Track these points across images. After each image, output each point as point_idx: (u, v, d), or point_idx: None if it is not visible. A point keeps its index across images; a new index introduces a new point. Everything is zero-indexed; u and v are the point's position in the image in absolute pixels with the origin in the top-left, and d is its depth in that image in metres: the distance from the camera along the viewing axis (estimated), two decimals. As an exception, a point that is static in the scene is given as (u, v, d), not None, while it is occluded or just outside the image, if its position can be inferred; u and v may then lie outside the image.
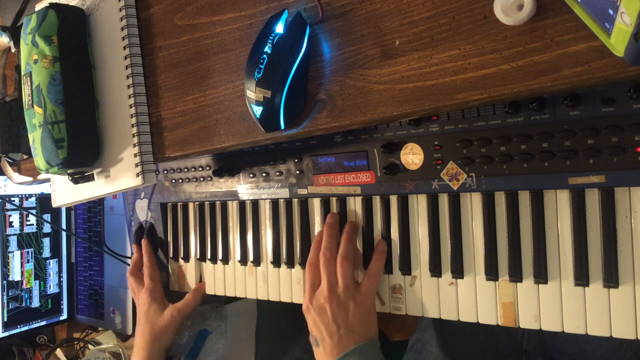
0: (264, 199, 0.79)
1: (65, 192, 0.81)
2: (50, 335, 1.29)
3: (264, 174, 0.77)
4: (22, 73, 0.72)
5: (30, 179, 0.95)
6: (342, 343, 0.62)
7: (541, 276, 0.56)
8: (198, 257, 0.89)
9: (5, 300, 1.12)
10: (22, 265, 1.15)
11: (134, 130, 0.69)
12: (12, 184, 1.03)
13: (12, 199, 1.14)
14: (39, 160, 0.71)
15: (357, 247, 0.69)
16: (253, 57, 0.55)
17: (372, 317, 0.65)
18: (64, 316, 1.24)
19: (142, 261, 0.93)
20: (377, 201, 0.67)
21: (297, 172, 0.73)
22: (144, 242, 0.93)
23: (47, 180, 0.90)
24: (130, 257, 1.06)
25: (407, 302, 0.65)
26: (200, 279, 0.90)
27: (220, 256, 0.85)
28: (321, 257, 0.67)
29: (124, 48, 0.70)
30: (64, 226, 1.25)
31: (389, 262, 0.66)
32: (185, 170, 0.88)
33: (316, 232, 0.73)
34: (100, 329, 1.23)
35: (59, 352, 1.23)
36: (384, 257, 0.66)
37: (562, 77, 0.42)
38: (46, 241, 1.21)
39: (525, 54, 0.43)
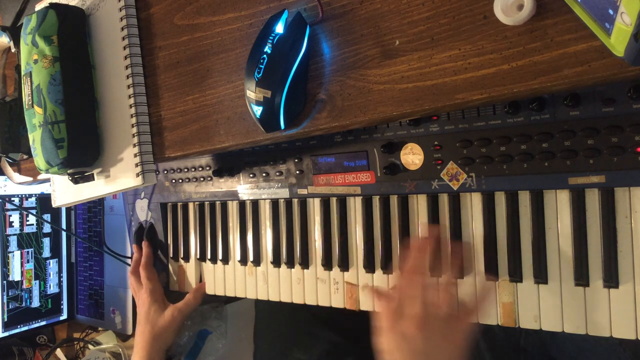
0: (264, 199, 0.79)
1: (65, 192, 0.81)
2: (50, 335, 1.29)
3: (264, 174, 0.77)
4: (22, 73, 0.72)
5: (30, 179, 0.95)
6: None
7: (541, 276, 0.56)
8: (198, 257, 0.89)
9: (5, 300, 1.12)
10: (22, 265, 1.15)
11: (134, 130, 0.69)
12: (12, 184, 1.03)
13: (12, 199, 1.14)
14: (39, 160, 0.71)
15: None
16: (253, 57, 0.55)
17: (461, 357, 0.56)
18: (64, 316, 1.24)
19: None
20: (377, 201, 0.67)
21: (297, 172, 0.73)
22: (144, 243, 0.93)
23: (47, 180, 0.90)
24: (130, 257, 1.06)
25: (407, 302, 0.65)
26: (200, 279, 0.90)
27: (220, 256, 0.85)
28: (422, 275, 0.58)
29: (124, 48, 0.70)
30: (64, 226, 1.24)
31: (389, 261, 0.66)
32: (185, 170, 0.88)
33: (316, 232, 0.73)
34: (100, 329, 1.23)
35: (59, 352, 1.23)
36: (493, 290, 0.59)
37: (562, 77, 0.42)
38: (46, 241, 1.21)
39: (525, 54, 0.43)
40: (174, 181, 0.90)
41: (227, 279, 0.85)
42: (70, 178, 0.73)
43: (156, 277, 0.91)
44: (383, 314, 0.58)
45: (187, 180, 0.88)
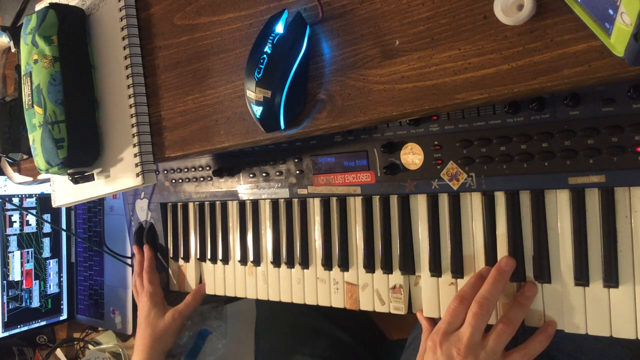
0: (264, 199, 0.79)
1: (65, 192, 0.81)
2: (50, 335, 1.29)
3: (264, 174, 0.77)
4: (22, 73, 0.72)
5: (30, 179, 0.95)
6: None
7: (541, 276, 0.56)
8: (198, 257, 0.89)
9: (5, 300, 1.12)
10: (22, 265, 1.15)
11: (134, 130, 0.69)
12: (12, 184, 1.03)
13: (12, 199, 1.14)
14: (39, 160, 0.71)
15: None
16: (253, 57, 0.55)
17: None
18: (64, 316, 1.24)
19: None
20: (377, 201, 0.67)
21: (297, 172, 0.73)
22: (145, 247, 0.94)
23: (47, 180, 0.90)
24: (130, 257, 1.06)
25: (407, 302, 0.65)
26: (200, 279, 0.90)
27: (220, 256, 0.85)
28: (478, 305, 0.55)
29: (124, 48, 0.70)
30: (64, 226, 1.24)
31: (389, 261, 0.66)
32: (185, 170, 0.88)
33: (316, 232, 0.73)
34: (100, 329, 1.23)
35: (59, 352, 1.23)
36: (548, 337, 0.56)
37: (562, 77, 0.42)
38: (46, 241, 1.21)
39: (525, 54, 0.43)
40: (174, 181, 0.90)
41: (227, 279, 0.85)
42: (70, 178, 0.73)
43: (158, 281, 0.91)
44: (433, 333, 0.58)
45: (187, 180, 0.88)
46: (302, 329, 0.88)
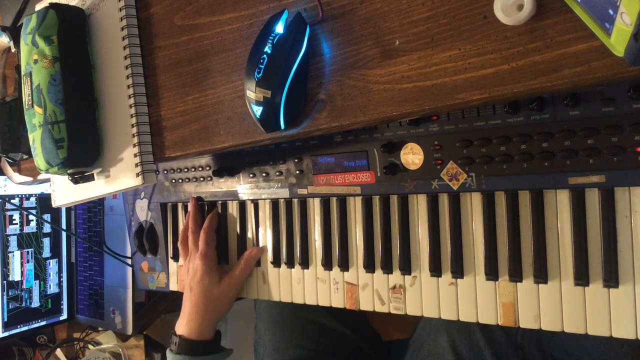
0: (264, 199, 0.79)
1: (65, 192, 0.81)
2: (50, 335, 1.30)
3: (264, 174, 0.77)
4: (22, 73, 0.72)
5: (30, 179, 0.95)
6: None
7: (541, 276, 0.56)
8: (198, 257, 0.89)
9: (5, 300, 1.12)
10: (22, 265, 1.15)
11: (134, 130, 0.69)
12: (12, 184, 1.03)
13: (12, 199, 1.14)
14: (39, 160, 0.71)
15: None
16: (253, 57, 0.55)
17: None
18: (64, 316, 1.24)
19: (199, 221, 0.86)
20: (377, 201, 0.67)
21: (297, 172, 0.73)
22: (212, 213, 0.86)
23: (47, 180, 0.90)
24: (130, 257, 1.06)
25: (407, 302, 0.65)
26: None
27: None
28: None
29: (124, 48, 0.70)
30: (64, 226, 1.25)
31: (389, 261, 0.66)
32: (185, 170, 0.88)
33: (316, 232, 0.74)
34: (100, 329, 1.23)
35: (59, 352, 1.23)
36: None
37: (562, 77, 0.42)
38: (46, 241, 1.21)
39: (525, 54, 0.43)
40: (174, 181, 0.90)
41: (227, 279, 0.85)
42: (70, 178, 0.73)
43: (215, 243, 0.83)
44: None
45: (187, 180, 0.88)
46: (305, 323, 0.87)
